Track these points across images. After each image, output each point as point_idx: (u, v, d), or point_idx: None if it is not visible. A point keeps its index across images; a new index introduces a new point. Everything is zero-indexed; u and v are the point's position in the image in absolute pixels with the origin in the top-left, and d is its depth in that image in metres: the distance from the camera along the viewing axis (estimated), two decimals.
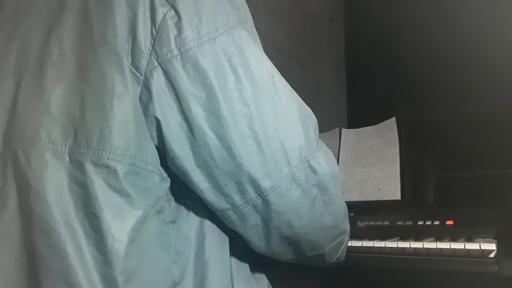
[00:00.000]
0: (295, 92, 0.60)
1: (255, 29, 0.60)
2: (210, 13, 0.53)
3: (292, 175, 0.56)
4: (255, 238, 0.59)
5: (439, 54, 1.73)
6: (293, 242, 0.61)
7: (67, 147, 0.49)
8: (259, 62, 0.56)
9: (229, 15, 0.54)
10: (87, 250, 0.47)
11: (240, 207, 0.56)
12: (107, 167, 0.48)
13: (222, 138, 0.52)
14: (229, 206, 0.56)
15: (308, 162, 0.57)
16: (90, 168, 0.48)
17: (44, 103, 0.50)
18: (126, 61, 0.50)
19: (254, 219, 0.57)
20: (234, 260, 0.61)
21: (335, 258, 0.71)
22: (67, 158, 0.49)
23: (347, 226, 0.70)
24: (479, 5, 1.62)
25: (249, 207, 0.56)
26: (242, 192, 0.55)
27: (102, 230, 0.47)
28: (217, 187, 0.54)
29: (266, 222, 0.57)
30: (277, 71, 0.58)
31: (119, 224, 0.48)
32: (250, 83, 0.53)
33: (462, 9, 1.67)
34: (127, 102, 0.49)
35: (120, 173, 0.49)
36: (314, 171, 0.58)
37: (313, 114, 0.61)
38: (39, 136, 0.49)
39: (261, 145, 0.53)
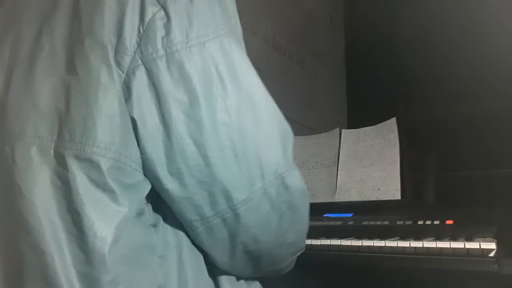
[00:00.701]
0: (277, 108, 0.59)
1: (243, 42, 0.59)
2: (202, 18, 0.51)
3: (264, 190, 0.55)
4: (220, 253, 0.57)
5: (439, 54, 1.73)
6: (255, 257, 0.60)
7: (53, 142, 0.48)
8: (246, 73, 0.55)
9: (220, 22, 0.53)
10: (68, 249, 0.46)
11: (209, 219, 0.54)
12: (90, 161, 0.47)
13: (200, 145, 0.50)
14: (197, 217, 0.54)
15: (282, 179, 0.56)
16: (72, 162, 0.47)
17: (32, 98, 0.49)
18: (112, 54, 0.49)
19: (221, 233, 0.55)
20: None
21: (286, 271, 0.70)
22: (52, 152, 0.47)
23: (304, 243, 0.69)
24: (479, 5, 1.62)
25: (218, 219, 0.54)
26: (213, 203, 0.53)
27: (83, 227, 0.46)
28: (188, 196, 0.52)
29: (233, 236, 0.56)
30: (263, 84, 0.57)
31: (102, 221, 0.47)
32: (235, 92, 0.52)
33: (462, 9, 1.67)
34: (112, 94, 0.48)
35: (104, 168, 0.47)
36: (287, 188, 0.57)
37: (291, 131, 0.60)
38: (25, 131, 0.48)
39: (238, 156, 0.52)
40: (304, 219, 0.64)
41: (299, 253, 0.68)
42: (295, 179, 0.59)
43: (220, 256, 0.58)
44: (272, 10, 1.65)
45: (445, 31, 1.70)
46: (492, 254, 0.70)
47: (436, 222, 0.92)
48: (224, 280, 0.60)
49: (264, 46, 1.59)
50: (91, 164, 0.47)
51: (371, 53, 1.95)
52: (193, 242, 0.57)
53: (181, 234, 0.56)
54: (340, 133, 1.29)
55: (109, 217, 0.47)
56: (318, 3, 2.02)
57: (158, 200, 0.54)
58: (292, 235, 0.62)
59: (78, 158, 0.47)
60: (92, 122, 0.47)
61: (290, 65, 1.76)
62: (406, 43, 1.84)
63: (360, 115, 1.92)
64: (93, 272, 0.46)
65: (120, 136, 0.48)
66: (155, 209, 0.55)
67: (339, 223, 1.02)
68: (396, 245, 0.80)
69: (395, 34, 1.87)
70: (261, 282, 0.68)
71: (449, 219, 0.91)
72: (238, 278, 0.62)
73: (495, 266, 0.68)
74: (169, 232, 0.55)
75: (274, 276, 0.69)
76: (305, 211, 0.63)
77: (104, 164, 0.47)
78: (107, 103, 0.48)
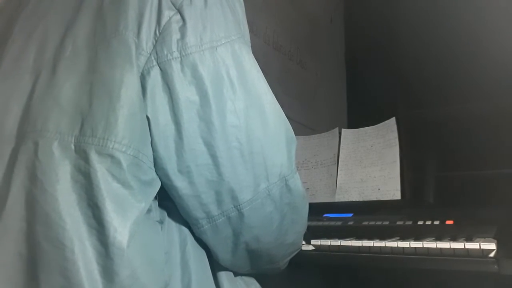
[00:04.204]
0: (283, 112, 0.61)
1: (250, 47, 0.62)
2: (215, 23, 0.54)
3: (268, 191, 0.57)
4: (222, 250, 0.59)
5: (439, 54, 1.73)
6: (255, 256, 0.62)
7: (73, 137, 0.49)
8: (256, 77, 0.57)
9: (232, 28, 0.56)
10: (89, 242, 0.47)
11: (215, 217, 0.56)
12: (111, 157, 0.48)
13: (209, 145, 0.52)
14: (204, 215, 0.55)
15: (286, 181, 0.59)
16: (94, 157, 0.47)
17: (55, 96, 0.51)
18: (134, 54, 0.51)
19: (226, 231, 0.57)
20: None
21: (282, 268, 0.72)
22: (73, 147, 0.48)
23: (302, 243, 0.72)
24: (479, 5, 1.62)
25: (223, 218, 0.56)
26: (219, 202, 0.55)
27: (103, 221, 0.47)
28: (196, 195, 0.54)
29: (236, 235, 0.58)
30: (270, 89, 0.60)
31: (122, 215, 0.48)
32: (244, 96, 0.54)
33: (461, 10, 1.67)
34: (134, 92, 0.50)
35: (124, 164, 0.48)
36: (289, 190, 0.59)
37: (295, 136, 0.62)
38: (47, 127, 0.50)
39: (244, 157, 0.54)
40: (303, 221, 0.66)
41: (296, 252, 0.70)
42: (297, 182, 0.61)
43: (223, 253, 0.59)
44: (272, 10, 1.65)
45: (445, 31, 1.70)
46: (492, 255, 0.70)
47: (436, 222, 0.91)
48: (223, 278, 0.61)
49: (264, 46, 1.59)
50: (112, 160, 0.48)
51: (371, 53, 1.95)
52: (197, 239, 0.58)
53: (185, 231, 0.58)
54: (340, 133, 1.29)
55: (128, 212, 0.48)
56: (318, 3, 2.02)
57: (163, 198, 0.56)
58: (291, 236, 0.64)
59: (100, 153, 0.48)
60: (114, 118, 0.48)
61: (290, 65, 1.76)
62: (406, 43, 1.83)
63: (360, 115, 1.92)
64: (113, 266, 0.47)
65: (140, 134, 0.50)
66: (161, 206, 0.56)
67: (339, 223, 1.02)
68: (396, 246, 0.80)
69: (395, 34, 1.87)
70: (260, 282, 0.68)
71: (449, 219, 0.91)
72: (236, 276, 0.64)
73: (495, 266, 0.68)
74: (173, 229, 0.57)
75: (270, 273, 0.70)
76: (305, 213, 0.66)
77: (125, 161, 0.48)
78: (129, 101, 0.49)
